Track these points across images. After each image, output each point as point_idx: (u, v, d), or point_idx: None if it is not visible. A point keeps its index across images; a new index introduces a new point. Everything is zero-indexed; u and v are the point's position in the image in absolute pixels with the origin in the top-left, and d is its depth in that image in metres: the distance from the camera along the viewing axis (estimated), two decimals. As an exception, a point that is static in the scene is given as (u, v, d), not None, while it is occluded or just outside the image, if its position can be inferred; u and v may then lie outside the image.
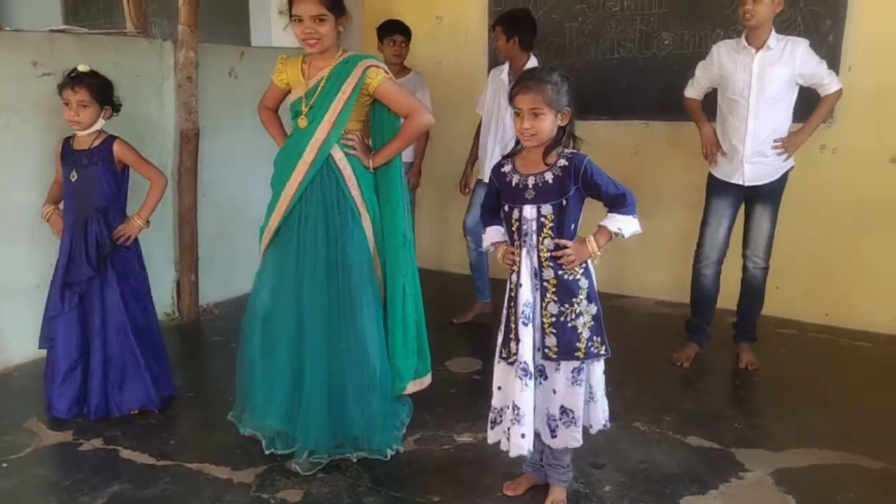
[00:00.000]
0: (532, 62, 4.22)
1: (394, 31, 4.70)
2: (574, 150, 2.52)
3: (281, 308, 2.95)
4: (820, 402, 3.57)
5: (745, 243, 3.87)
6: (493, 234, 2.71)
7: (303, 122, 2.88)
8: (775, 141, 3.66)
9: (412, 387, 3.12)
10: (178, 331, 4.49)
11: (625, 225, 2.49)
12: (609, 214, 2.51)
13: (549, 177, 2.48)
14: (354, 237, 2.92)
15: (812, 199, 4.47)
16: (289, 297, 2.94)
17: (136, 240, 3.36)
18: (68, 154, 3.27)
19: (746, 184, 3.73)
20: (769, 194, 3.76)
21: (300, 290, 2.92)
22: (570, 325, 2.50)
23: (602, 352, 2.56)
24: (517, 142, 2.60)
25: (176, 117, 4.49)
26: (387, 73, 2.91)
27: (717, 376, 3.95)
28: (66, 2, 8.07)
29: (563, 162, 2.48)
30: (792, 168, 3.77)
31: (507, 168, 2.59)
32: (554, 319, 2.50)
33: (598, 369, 2.60)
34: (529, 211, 2.50)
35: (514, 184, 2.53)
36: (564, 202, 2.47)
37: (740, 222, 3.90)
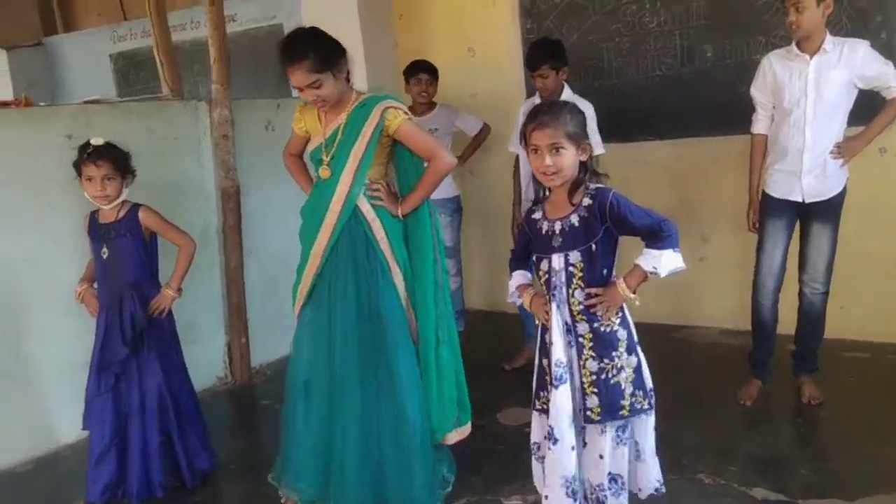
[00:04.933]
0: (567, 92, 4.03)
1: (416, 71, 4.68)
2: (599, 185, 2.34)
3: (317, 371, 2.88)
4: (899, 436, 3.23)
5: (802, 267, 3.56)
6: (518, 278, 2.58)
7: (325, 173, 2.83)
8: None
9: (453, 436, 2.99)
10: (229, 396, 4.43)
11: (661, 262, 2.26)
12: (644, 250, 2.31)
13: (574, 220, 2.31)
14: (385, 293, 2.84)
15: (874, 208, 4.12)
16: (323, 359, 2.86)
17: (169, 310, 3.27)
18: (95, 229, 3.19)
19: (806, 201, 3.46)
20: (829, 211, 3.47)
21: (333, 352, 2.84)
22: (612, 381, 2.32)
23: (646, 406, 2.38)
24: (537, 185, 2.44)
25: (215, 176, 4.49)
26: (406, 113, 2.82)
27: (780, 414, 3.66)
28: (118, 69, 8.32)
29: (587, 201, 2.30)
30: (848, 179, 3.49)
31: (537, 215, 2.44)
32: (594, 378, 2.33)
33: (647, 425, 2.41)
34: (557, 261, 2.35)
35: (543, 231, 2.39)
36: (594, 247, 2.29)
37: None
